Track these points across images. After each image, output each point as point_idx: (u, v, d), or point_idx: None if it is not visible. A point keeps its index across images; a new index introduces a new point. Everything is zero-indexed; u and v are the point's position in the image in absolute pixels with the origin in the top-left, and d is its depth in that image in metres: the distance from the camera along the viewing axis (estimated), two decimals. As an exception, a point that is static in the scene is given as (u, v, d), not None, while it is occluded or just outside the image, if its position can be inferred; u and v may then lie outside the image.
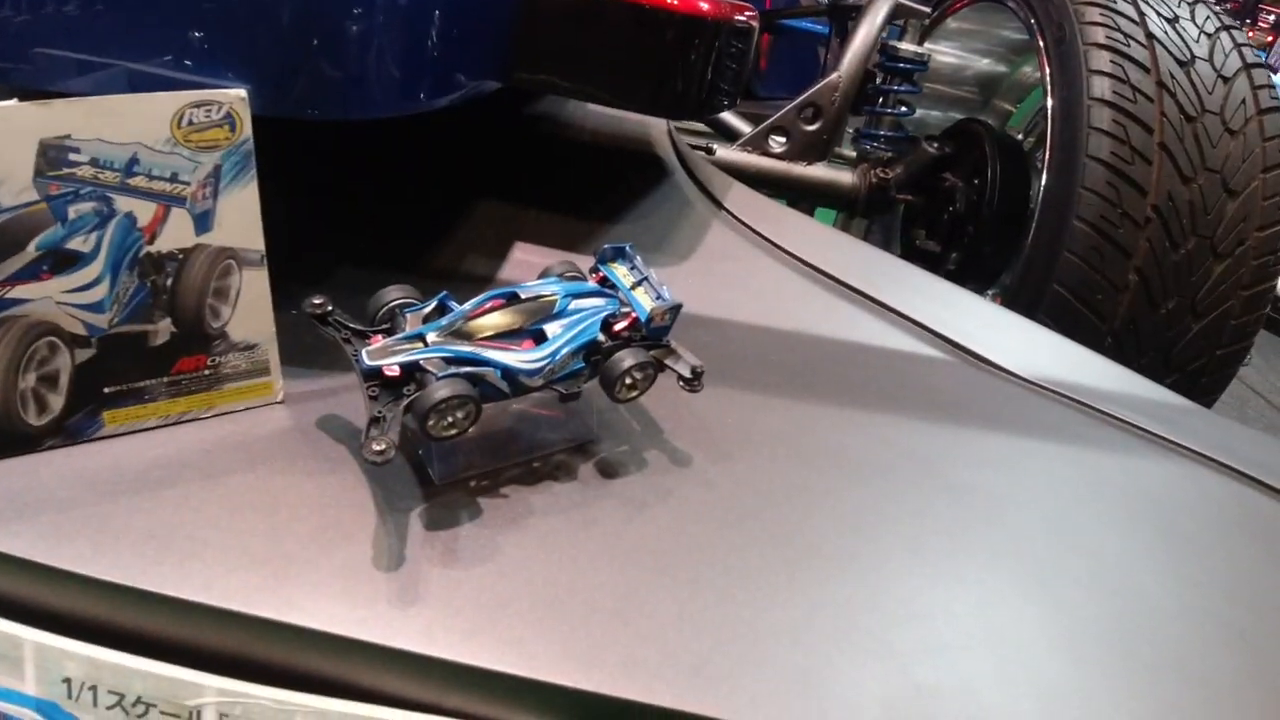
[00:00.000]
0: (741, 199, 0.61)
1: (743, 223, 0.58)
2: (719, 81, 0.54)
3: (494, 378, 0.31)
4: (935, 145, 0.99)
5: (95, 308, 0.32)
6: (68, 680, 0.31)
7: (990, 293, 1.03)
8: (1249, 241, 0.80)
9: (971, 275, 1.03)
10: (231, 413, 0.35)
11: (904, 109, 0.98)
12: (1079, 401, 0.52)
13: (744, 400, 0.43)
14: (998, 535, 0.39)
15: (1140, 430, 0.51)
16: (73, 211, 0.31)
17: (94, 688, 0.30)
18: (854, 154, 1.02)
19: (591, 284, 0.36)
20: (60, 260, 0.31)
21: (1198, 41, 0.84)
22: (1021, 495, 0.42)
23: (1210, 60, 0.82)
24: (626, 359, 0.33)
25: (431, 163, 0.42)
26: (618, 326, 0.34)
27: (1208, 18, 0.87)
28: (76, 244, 0.31)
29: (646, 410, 0.40)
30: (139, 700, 0.30)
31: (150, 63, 0.32)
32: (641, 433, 0.39)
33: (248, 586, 0.29)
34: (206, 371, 0.34)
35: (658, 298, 0.35)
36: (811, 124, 0.87)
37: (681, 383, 0.35)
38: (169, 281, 0.32)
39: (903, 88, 0.96)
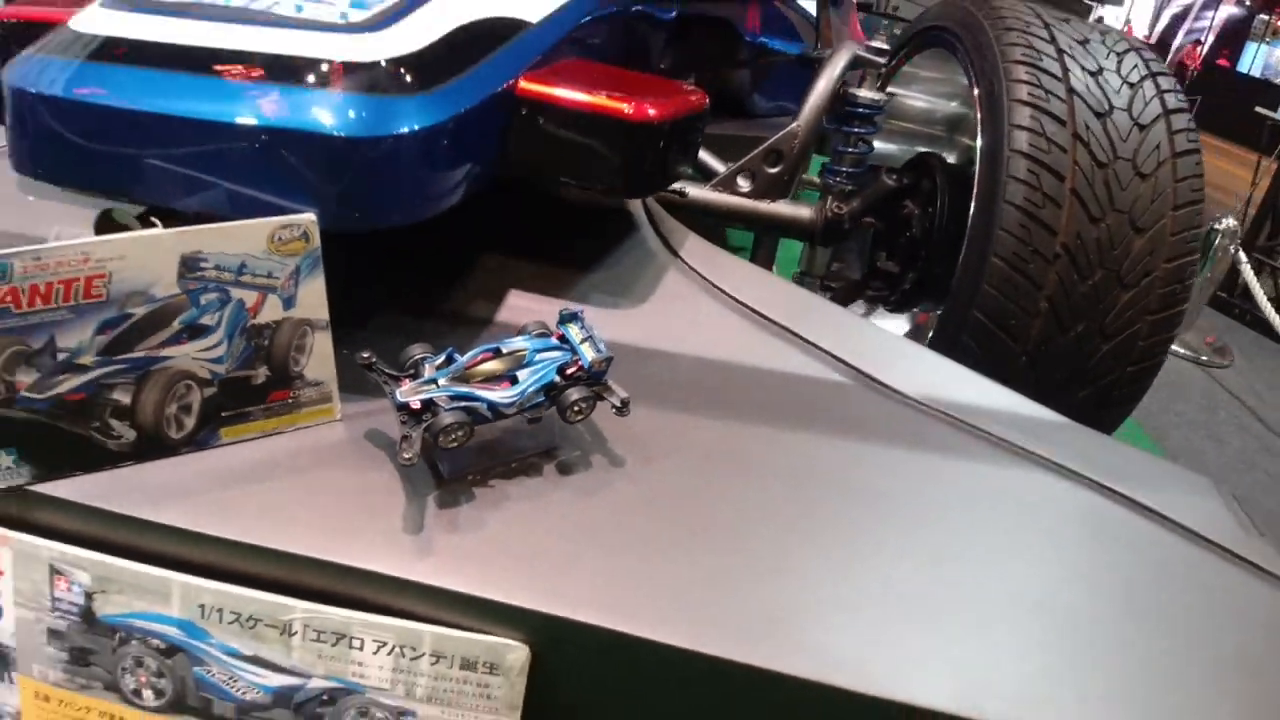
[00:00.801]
0: (693, 248, 0.77)
1: (692, 269, 0.74)
2: (674, 162, 0.70)
3: (483, 409, 0.48)
4: (894, 177, 1.14)
5: (217, 361, 0.49)
6: (201, 606, 0.48)
7: (934, 311, 1.17)
8: (1156, 272, 0.94)
9: (925, 293, 1.17)
10: (306, 428, 0.52)
11: (864, 147, 1.13)
12: (954, 417, 0.67)
13: (673, 418, 0.59)
14: (864, 519, 0.55)
15: (1002, 441, 0.66)
16: (203, 299, 0.48)
17: (219, 610, 0.48)
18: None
19: (553, 340, 0.52)
20: (194, 331, 0.48)
21: (1119, 92, 0.97)
22: (892, 491, 0.58)
23: (1129, 110, 0.96)
24: (573, 394, 0.49)
25: (436, 228, 0.59)
26: (568, 371, 0.50)
27: (1134, 67, 1.01)
28: (205, 320, 0.48)
29: (596, 427, 0.56)
30: (250, 617, 0.47)
31: (255, 195, 0.49)
32: (590, 443, 0.55)
33: (321, 542, 0.46)
34: (289, 400, 0.51)
35: (597, 350, 0.51)
36: (774, 167, 1.02)
37: (614, 410, 0.51)
38: (266, 343, 0.49)
39: (863, 129, 1.11)
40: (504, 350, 0.50)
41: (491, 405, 0.48)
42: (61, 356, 0.46)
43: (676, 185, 0.97)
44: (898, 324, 1.35)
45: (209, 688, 0.48)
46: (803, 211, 1.04)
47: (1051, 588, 0.53)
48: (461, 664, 0.44)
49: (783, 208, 1.03)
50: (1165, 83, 1.00)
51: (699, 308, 0.70)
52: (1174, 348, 2.32)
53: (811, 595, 0.48)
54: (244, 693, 0.48)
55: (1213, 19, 9.41)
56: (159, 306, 0.46)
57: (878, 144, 1.38)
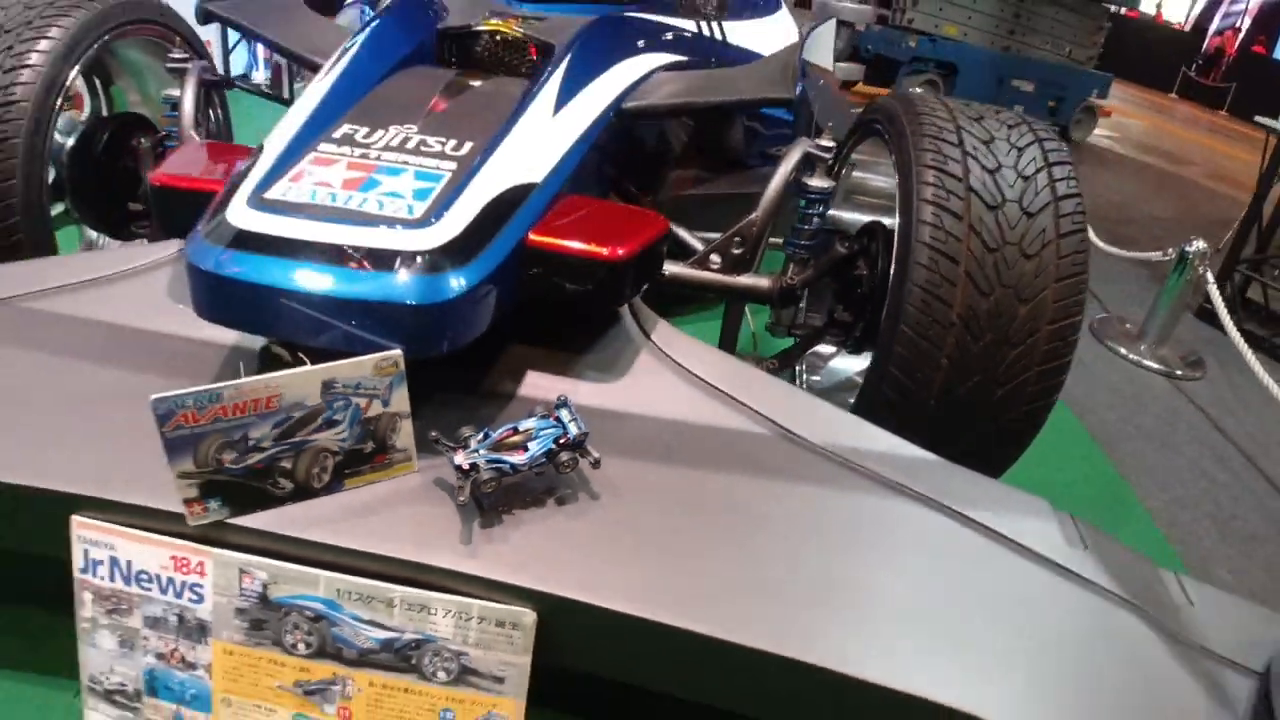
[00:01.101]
0: (661, 331, 1.06)
1: (659, 348, 1.02)
2: (643, 278, 0.98)
3: (507, 468, 0.77)
4: (846, 244, 1.40)
5: (343, 440, 0.79)
6: (337, 590, 0.78)
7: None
8: (1040, 334, 1.18)
9: (872, 342, 1.43)
10: (395, 477, 0.83)
11: (818, 222, 1.40)
12: (845, 460, 0.94)
13: (636, 464, 0.88)
14: (757, 535, 0.83)
15: (880, 477, 0.93)
16: (335, 405, 0.78)
17: (349, 593, 0.78)
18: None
19: (551, 420, 0.81)
20: (330, 424, 0.79)
21: (1012, 185, 1.22)
22: (788, 513, 0.86)
23: (1019, 200, 1.20)
24: (563, 456, 0.79)
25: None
26: (560, 441, 0.79)
27: (1032, 159, 1.25)
28: (336, 417, 0.79)
29: (582, 475, 0.85)
30: (368, 596, 0.77)
31: (362, 337, 0.80)
32: (578, 485, 0.84)
33: (409, 549, 0.76)
34: (386, 461, 0.82)
35: (580, 428, 0.80)
36: (739, 249, 1.29)
37: (591, 464, 0.80)
38: (372, 428, 0.80)
39: (815, 210, 1.37)
40: (519, 429, 0.80)
41: (513, 466, 0.78)
42: (250, 443, 0.77)
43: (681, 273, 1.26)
44: (859, 362, 1.61)
45: (340, 640, 0.79)
46: (762, 282, 1.31)
47: (905, 586, 0.81)
48: (495, 623, 0.74)
49: (746, 280, 1.30)
50: (1059, 171, 1.24)
51: (663, 380, 0.99)
52: (1148, 363, 2.52)
53: (737, 578, 0.76)
54: (363, 643, 0.78)
55: (1248, 4, 9.27)
56: (309, 411, 0.77)
57: (850, 214, 1.65)
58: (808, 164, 1.35)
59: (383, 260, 0.81)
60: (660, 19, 1.65)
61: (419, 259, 0.82)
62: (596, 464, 0.81)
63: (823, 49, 2.35)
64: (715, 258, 1.31)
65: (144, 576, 0.81)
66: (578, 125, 1.13)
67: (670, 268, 1.28)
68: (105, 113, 1.71)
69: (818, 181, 1.36)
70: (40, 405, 0.88)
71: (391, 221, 0.84)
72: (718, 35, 1.88)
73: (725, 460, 0.91)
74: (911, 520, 0.89)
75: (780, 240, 1.42)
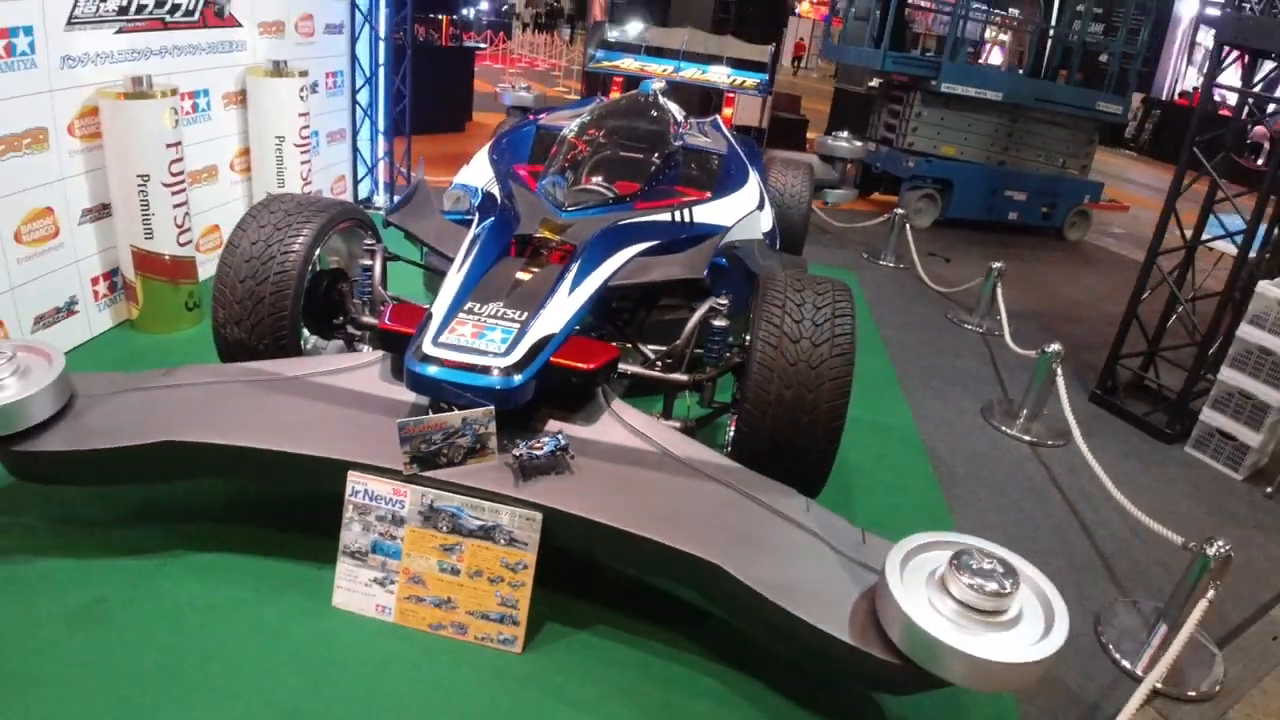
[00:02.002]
0: (620, 405, 2.21)
1: (619, 416, 2.18)
2: (604, 378, 2.16)
3: (535, 458, 1.95)
4: (739, 354, 2.54)
5: (467, 443, 1.98)
6: (461, 504, 1.96)
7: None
8: (822, 406, 2.26)
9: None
10: (486, 461, 2.01)
11: (720, 346, 2.54)
12: (714, 477, 2.06)
13: (592, 461, 2.03)
14: (650, 495, 1.96)
15: (718, 478, 2.04)
16: (466, 429, 1.98)
17: (467, 505, 1.96)
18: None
19: (555, 437, 1.98)
20: (462, 435, 1.98)
21: (808, 328, 2.33)
22: (666, 489, 1.98)
23: (811, 337, 2.32)
24: (558, 453, 1.95)
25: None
26: (557, 448, 1.96)
27: (823, 313, 2.36)
28: (465, 432, 1.98)
29: (565, 463, 2.01)
30: (475, 505, 1.95)
31: (473, 400, 2.00)
32: (564, 467, 2.00)
33: (494, 486, 1.93)
34: (485, 452, 2.00)
35: (565, 441, 1.97)
36: (670, 359, 2.46)
37: (570, 458, 1.97)
38: (479, 439, 1.99)
39: (718, 340, 2.52)
40: (541, 440, 1.96)
41: (535, 455, 1.94)
42: (431, 441, 1.96)
43: (623, 368, 2.43)
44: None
45: (461, 526, 1.95)
46: (685, 379, 2.46)
47: (713, 521, 1.92)
48: (524, 518, 1.90)
49: (676, 377, 2.45)
50: (840, 319, 2.30)
51: (614, 428, 2.14)
52: (1018, 435, 3.51)
53: (638, 509, 1.89)
54: (471, 525, 1.94)
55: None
56: (454, 430, 1.96)
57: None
58: (713, 312, 2.52)
59: (486, 369, 2.02)
60: (644, 219, 2.86)
61: (500, 369, 2.02)
62: (573, 457, 1.96)
63: (758, 226, 3.45)
64: (659, 362, 2.49)
65: (378, 496, 2.00)
66: (582, 298, 2.34)
67: (632, 368, 2.46)
68: (318, 267, 3.03)
69: (719, 322, 2.52)
70: (332, 424, 2.10)
71: (491, 353, 2.05)
72: (688, 218, 3.07)
73: (640, 464, 2.05)
74: (726, 497, 1.99)
75: (700, 350, 2.57)
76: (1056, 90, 6.91)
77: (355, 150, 5.57)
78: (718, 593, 1.83)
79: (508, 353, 2.08)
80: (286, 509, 2.30)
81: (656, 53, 6.04)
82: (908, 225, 5.74)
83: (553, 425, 2.17)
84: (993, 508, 2.91)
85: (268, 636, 1.91)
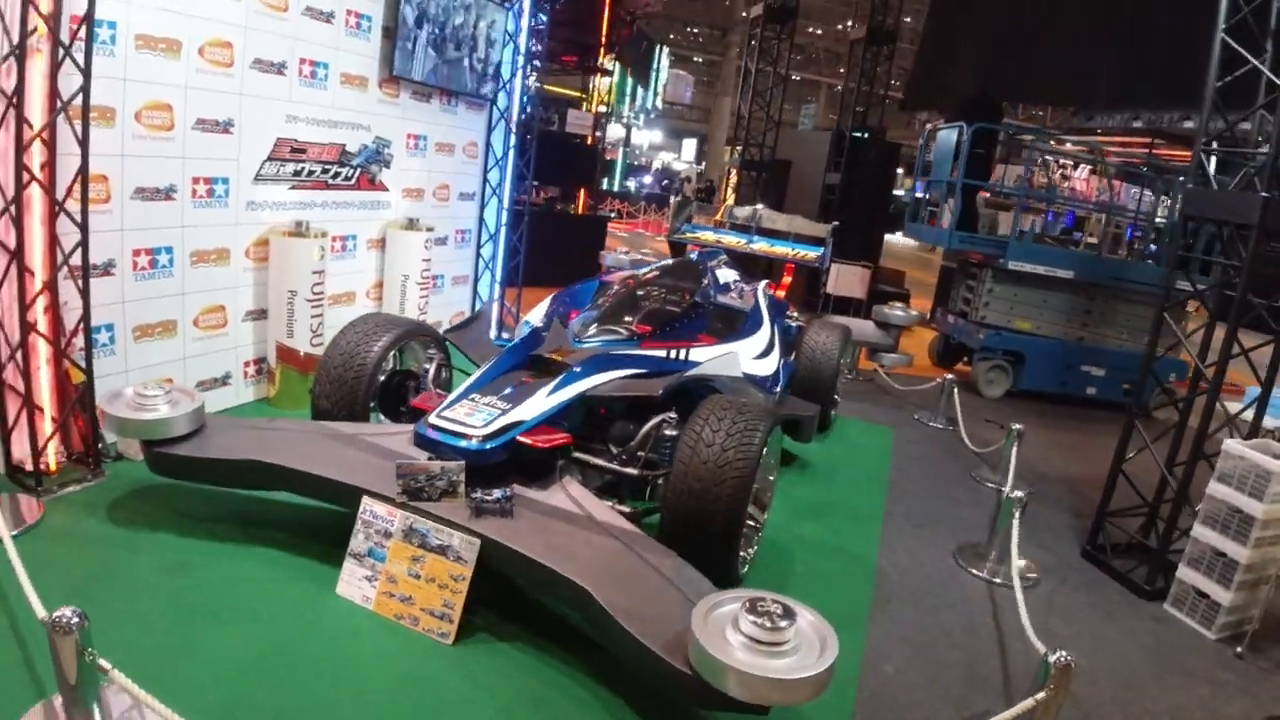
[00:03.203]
0: (570, 482, 3.01)
1: (563, 486, 2.97)
2: (560, 457, 3.01)
3: (488, 503, 2.78)
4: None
5: (445, 486, 2.86)
6: (430, 528, 2.81)
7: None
8: (723, 498, 2.90)
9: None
10: (456, 500, 2.86)
11: (669, 451, 3.29)
12: (616, 534, 2.80)
13: (531, 515, 2.83)
14: (566, 539, 2.72)
15: (626, 540, 2.77)
16: (445, 475, 2.86)
17: (433, 529, 2.80)
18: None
19: (506, 491, 2.81)
20: (442, 479, 2.86)
21: (720, 438, 3.06)
22: (582, 539, 2.73)
23: (721, 444, 3.04)
24: (504, 504, 2.77)
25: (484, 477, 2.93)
26: (504, 497, 2.78)
27: (734, 428, 3.09)
28: (443, 478, 2.86)
29: (509, 510, 2.82)
30: (438, 529, 2.79)
31: (455, 457, 2.90)
32: (508, 514, 2.80)
33: (455, 518, 2.77)
34: (455, 495, 2.86)
35: (511, 493, 2.79)
36: (627, 456, 3.25)
37: (509, 506, 2.78)
38: (454, 485, 2.86)
39: (667, 444, 3.28)
40: (493, 493, 2.81)
41: (487, 502, 2.78)
42: (419, 481, 2.85)
43: (587, 457, 3.25)
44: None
45: (425, 541, 2.78)
46: (633, 472, 3.23)
47: (608, 565, 2.64)
48: (467, 543, 2.71)
49: (629, 470, 3.23)
50: (746, 434, 3.02)
51: (560, 501, 2.93)
52: (982, 574, 3.85)
53: (553, 548, 2.65)
54: (433, 542, 2.77)
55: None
56: (437, 475, 2.84)
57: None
58: (665, 423, 3.31)
59: (466, 436, 2.93)
60: (635, 353, 3.75)
61: (475, 437, 2.92)
62: (512, 507, 2.78)
63: (737, 366, 4.18)
64: (619, 456, 3.29)
65: (379, 515, 2.89)
66: (556, 400, 3.21)
67: (596, 460, 3.27)
68: (397, 366, 4.13)
69: (669, 431, 3.31)
70: (362, 465, 3.05)
71: (472, 427, 2.96)
72: (681, 356, 3.90)
73: (566, 520, 2.81)
74: (617, 549, 2.71)
75: (655, 455, 3.34)
76: (1134, 269, 7.26)
77: (475, 293, 6.96)
78: (585, 611, 2.50)
79: (483, 428, 2.98)
80: (316, 525, 3.23)
81: (734, 227, 7.18)
82: (955, 390, 6.23)
83: (516, 487, 3.00)
84: (913, 624, 3.31)
85: (285, 605, 2.80)
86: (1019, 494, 3.85)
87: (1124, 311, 7.33)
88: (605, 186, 16.86)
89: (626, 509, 3.17)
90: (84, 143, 3.16)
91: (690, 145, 30.77)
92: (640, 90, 21.14)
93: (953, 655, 3.12)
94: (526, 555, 2.61)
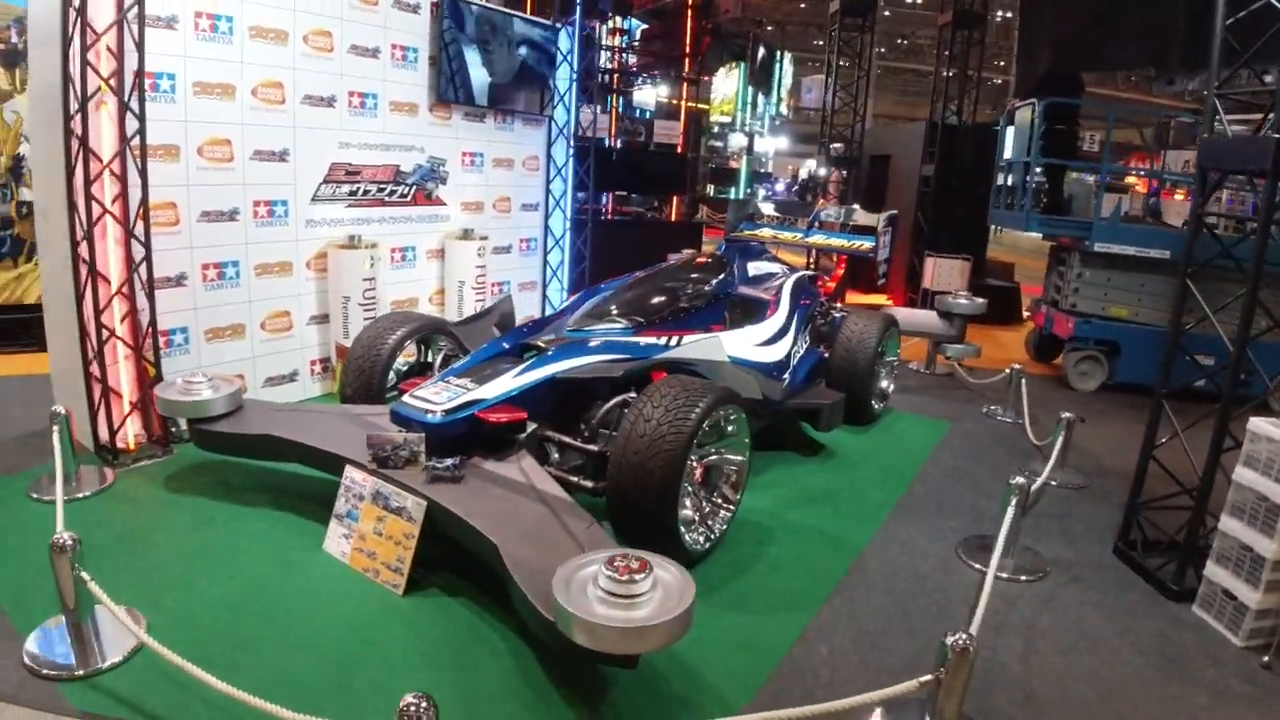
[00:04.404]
0: (523, 454, 3.31)
1: (517, 460, 3.28)
2: (514, 432, 3.32)
3: (442, 469, 3.13)
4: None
5: (408, 456, 3.24)
6: (391, 491, 3.20)
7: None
8: (656, 473, 3.09)
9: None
10: (417, 468, 3.24)
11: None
12: (552, 500, 3.07)
13: (481, 482, 3.15)
14: (512, 501, 3.02)
15: (563, 507, 3.03)
16: (408, 446, 3.25)
17: (391, 492, 3.19)
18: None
19: (455, 461, 3.15)
20: (406, 448, 3.25)
21: (658, 415, 3.23)
22: (524, 502, 3.02)
23: (656, 420, 3.21)
24: (455, 470, 3.12)
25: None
26: (455, 464, 3.12)
27: (671, 405, 3.25)
28: (407, 448, 3.24)
29: (460, 479, 3.15)
30: (396, 493, 3.17)
31: (419, 430, 3.28)
32: (460, 481, 3.14)
33: (412, 483, 3.15)
34: (416, 463, 3.23)
35: (459, 462, 3.13)
36: (586, 432, 3.50)
37: (459, 473, 3.12)
38: (416, 455, 3.24)
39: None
40: (445, 461, 3.16)
41: (440, 468, 3.13)
42: (387, 450, 3.26)
43: (554, 435, 3.53)
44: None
45: (388, 503, 3.17)
46: (593, 448, 3.46)
47: (535, 524, 2.91)
48: (415, 504, 3.07)
49: (590, 447, 3.47)
50: (681, 411, 3.17)
51: (513, 469, 3.24)
52: (980, 567, 3.70)
53: (493, 512, 2.97)
54: (394, 504, 3.15)
55: None
56: (401, 444, 3.24)
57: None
58: (625, 403, 3.52)
59: (428, 411, 3.30)
60: (622, 339, 3.98)
61: (435, 413, 3.29)
62: (462, 475, 3.12)
63: (721, 351, 4.21)
64: (581, 438, 3.54)
65: (357, 482, 3.31)
66: (524, 381, 3.52)
67: (562, 437, 3.54)
68: (422, 359, 4.59)
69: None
70: (353, 440, 3.50)
71: (436, 404, 3.33)
72: (670, 343, 4.08)
73: (508, 489, 3.11)
74: (543, 514, 2.96)
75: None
76: (1246, 247, 6.51)
77: (545, 298, 7.43)
78: (494, 565, 2.77)
79: (445, 404, 3.35)
80: (326, 494, 3.72)
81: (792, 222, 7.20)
82: (1023, 381, 5.91)
83: (476, 459, 3.34)
84: (873, 611, 3.23)
85: (279, 556, 3.30)
86: (1020, 480, 3.69)
87: (1232, 294, 6.60)
88: (713, 194, 17.04)
89: (590, 484, 3.40)
90: (143, 174, 3.86)
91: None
92: (762, 98, 21.16)
93: (902, 642, 3.03)
94: (457, 514, 2.93)
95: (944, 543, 3.96)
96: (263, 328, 4.86)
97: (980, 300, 6.46)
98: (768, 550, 3.67)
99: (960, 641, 2.29)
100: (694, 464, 3.37)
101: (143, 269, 3.95)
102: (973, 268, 9.23)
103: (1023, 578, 3.65)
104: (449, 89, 5.66)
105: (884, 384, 5.86)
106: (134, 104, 3.77)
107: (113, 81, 3.69)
